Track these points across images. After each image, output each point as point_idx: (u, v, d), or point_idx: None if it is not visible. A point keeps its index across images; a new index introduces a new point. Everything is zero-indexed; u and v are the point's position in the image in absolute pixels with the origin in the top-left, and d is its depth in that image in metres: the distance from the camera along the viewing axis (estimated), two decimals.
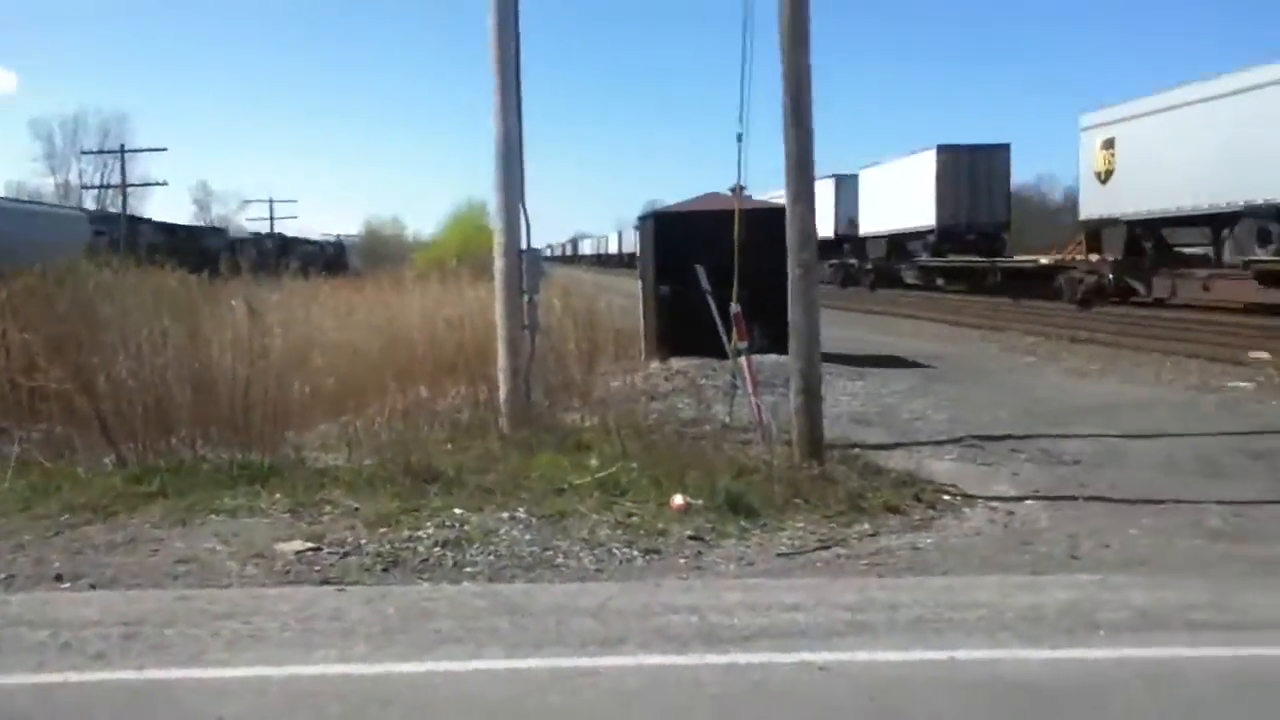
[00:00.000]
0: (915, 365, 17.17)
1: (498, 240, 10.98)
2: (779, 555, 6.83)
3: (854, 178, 44.86)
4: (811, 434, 9.07)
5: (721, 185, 14.08)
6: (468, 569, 6.56)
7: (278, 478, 8.53)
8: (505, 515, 7.56)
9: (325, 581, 6.36)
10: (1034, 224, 44.38)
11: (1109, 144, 27.10)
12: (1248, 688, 4.65)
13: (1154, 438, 10.35)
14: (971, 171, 37.46)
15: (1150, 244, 26.63)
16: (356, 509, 7.74)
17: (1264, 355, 15.11)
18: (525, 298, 11.02)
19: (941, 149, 37.49)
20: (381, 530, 7.24)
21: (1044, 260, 31.06)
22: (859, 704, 4.46)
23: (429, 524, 7.35)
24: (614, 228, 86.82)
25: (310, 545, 6.99)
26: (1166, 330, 19.09)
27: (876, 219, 42.75)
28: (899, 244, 41.85)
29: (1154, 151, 25.00)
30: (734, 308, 10.61)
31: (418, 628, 5.46)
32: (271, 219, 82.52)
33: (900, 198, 39.78)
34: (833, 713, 4.41)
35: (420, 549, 6.87)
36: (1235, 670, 4.82)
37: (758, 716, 4.36)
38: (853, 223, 44.95)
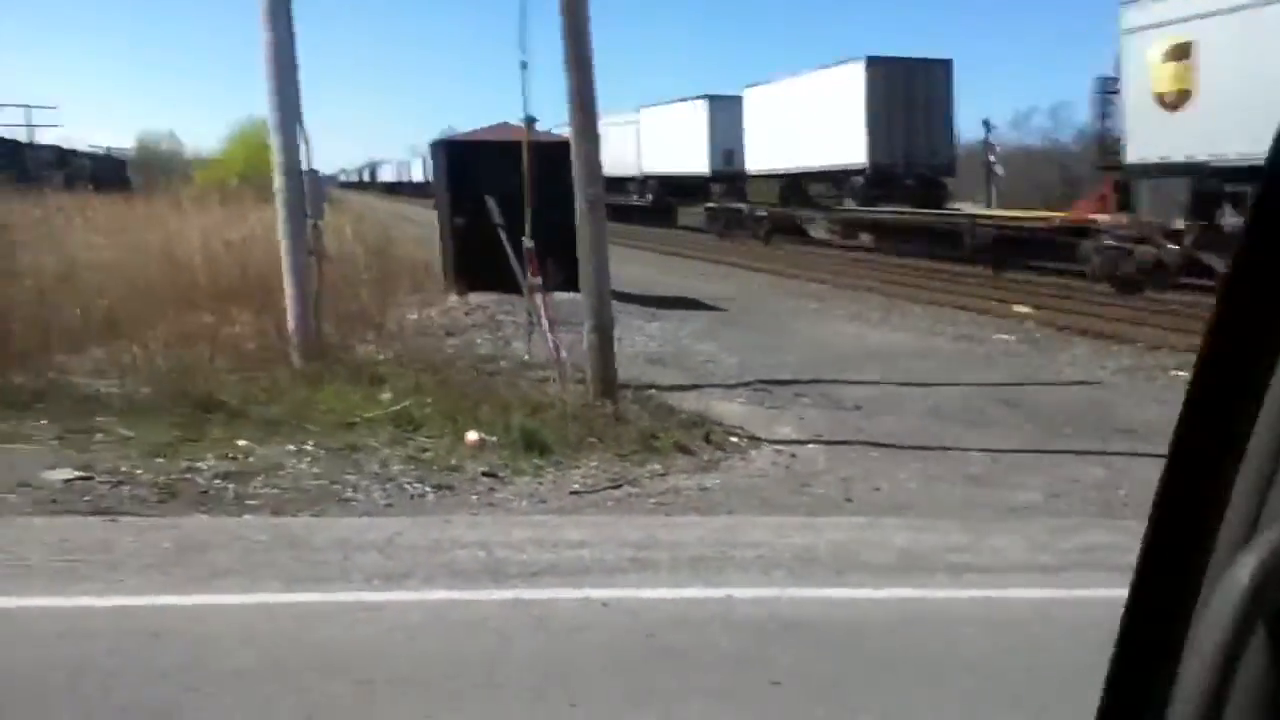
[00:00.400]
0: (706, 308, 17.58)
1: (276, 160, 10.37)
2: (571, 493, 6.91)
3: (735, 100, 34.70)
4: (605, 373, 9.18)
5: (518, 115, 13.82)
6: (250, 502, 6.34)
7: (43, 403, 7.97)
8: (292, 448, 7.33)
9: (96, 512, 6.02)
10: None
11: (1182, 51, 16.62)
12: (998, 625, 5.04)
13: (926, 386, 11.00)
14: (909, 95, 27.90)
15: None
16: (130, 437, 7.33)
17: (1026, 309, 16.25)
18: (310, 222, 10.56)
19: (873, 61, 27.70)
20: (158, 460, 6.90)
21: (1058, 218, 21.36)
22: (638, 640, 4.59)
23: (209, 455, 7.04)
24: (414, 154, 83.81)
25: (80, 474, 6.59)
26: (937, 280, 20.23)
27: (769, 154, 32.35)
28: (799, 186, 32.33)
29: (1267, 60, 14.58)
30: (526, 243, 10.53)
31: (193, 560, 5.25)
32: (30, 126, 73.87)
33: (805, 126, 29.83)
34: (612, 648, 4.52)
35: (200, 480, 6.59)
36: (988, 610, 5.22)
37: (538, 650, 4.42)
38: (732, 157, 35.09)
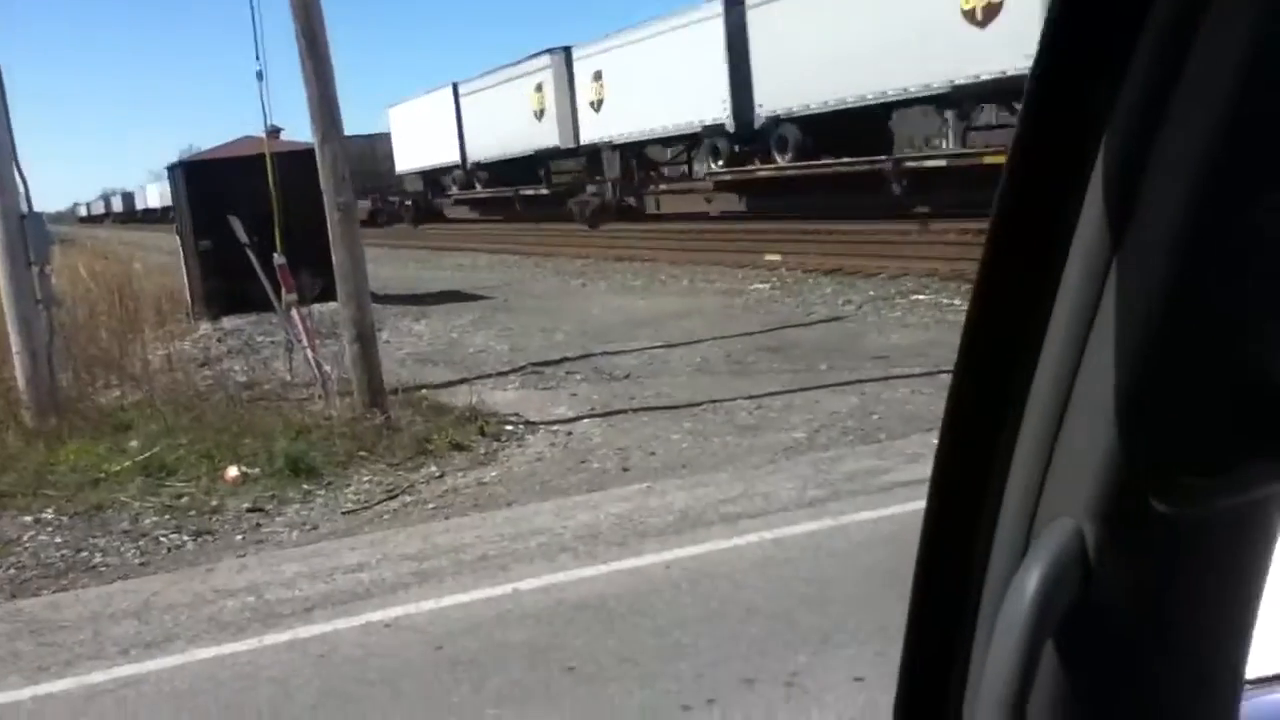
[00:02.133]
0: (475, 298, 17.39)
1: None
2: (344, 513, 6.66)
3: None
4: (371, 382, 8.91)
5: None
6: None
7: None
8: (29, 519, 6.74)
9: None
10: None
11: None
12: (776, 565, 5.21)
13: (692, 344, 11.25)
14: None
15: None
16: None
17: (776, 257, 16.89)
18: (35, 270, 9.73)
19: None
20: None
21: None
22: (426, 656, 4.47)
23: None
24: (151, 179, 79.05)
25: None
26: (695, 242, 20.76)
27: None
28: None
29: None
30: (277, 258, 10.09)
31: None
32: None
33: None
34: (400, 671, 4.38)
35: None
36: (766, 553, 5.37)
37: (322, 691, 4.24)
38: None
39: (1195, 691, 0.77)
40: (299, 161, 11.20)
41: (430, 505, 6.71)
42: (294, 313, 10.14)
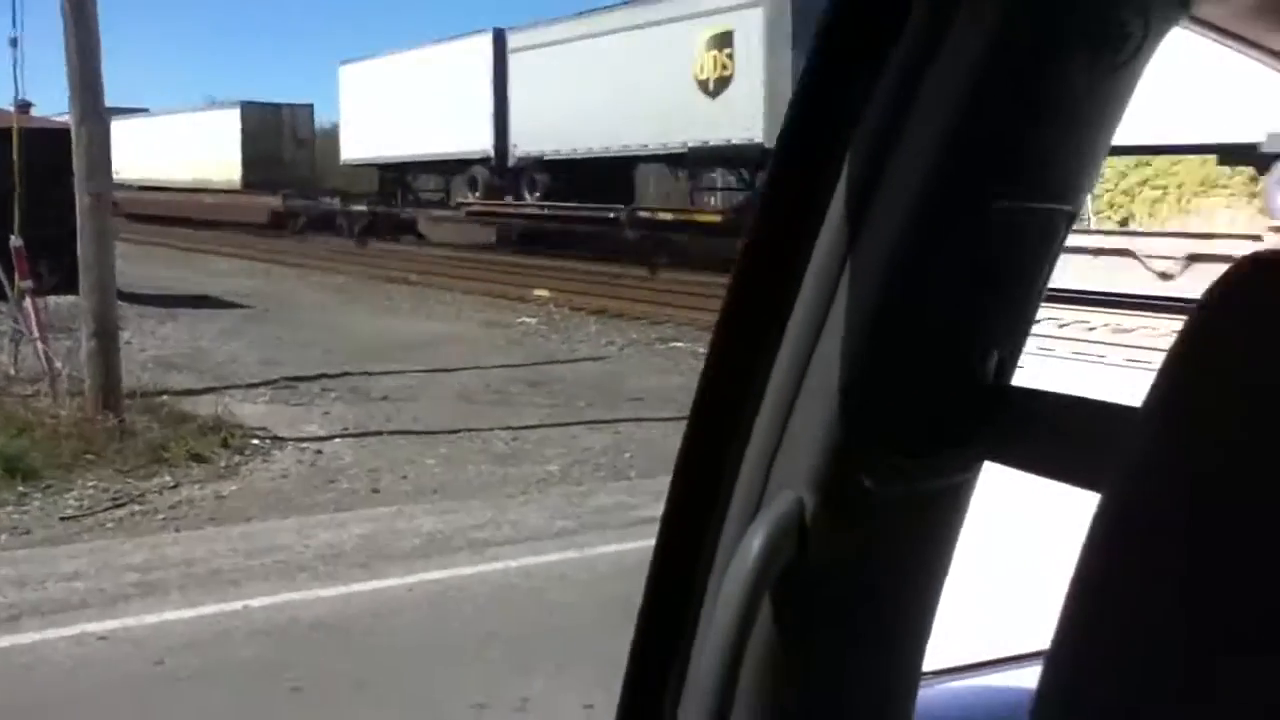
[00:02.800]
0: (231, 306, 16.63)
1: None
2: (63, 519, 6.24)
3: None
4: (107, 381, 8.39)
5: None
6: None
7: None
8: None
9: None
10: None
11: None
12: (518, 593, 5.28)
13: (454, 371, 11.20)
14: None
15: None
16: None
17: (545, 293, 17.08)
18: None
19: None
20: None
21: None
22: (144, 670, 4.26)
23: None
24: None
25: None
26: (466, 269, 20.70)
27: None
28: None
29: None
30: (14, 241, 9.39)
31: None
32: None
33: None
34: (115, 685, 4.16)
35: None
36: (510, 581, 5.44)
37: (23, 707, 3.96)
38: None
39: (884, 660, 0.90)
40: (53, 141, 10.48)
41: (161, 516, 6.38)
42: (27, 301, 9.43)
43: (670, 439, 8.14)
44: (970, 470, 0.87)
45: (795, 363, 0.82)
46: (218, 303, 16.82)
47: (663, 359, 12.08)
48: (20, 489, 6.62)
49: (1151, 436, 0.62)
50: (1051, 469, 0.78)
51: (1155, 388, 0.61)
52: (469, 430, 8.69)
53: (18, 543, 5.82)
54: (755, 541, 0.79)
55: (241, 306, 16.52)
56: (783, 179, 0.84)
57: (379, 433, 8.57)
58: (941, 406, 0.81)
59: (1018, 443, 0.81)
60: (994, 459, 0.83)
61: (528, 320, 15.09)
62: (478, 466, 7.69)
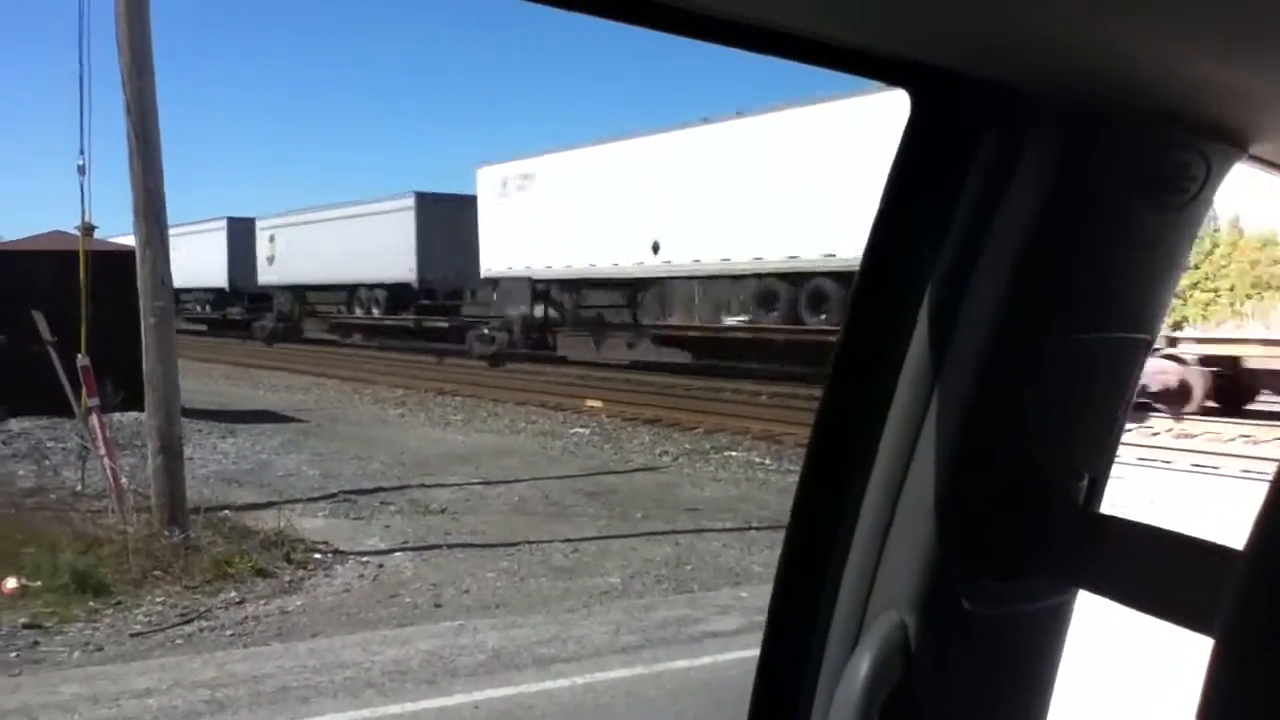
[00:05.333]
0: (289, 420, 16.89)
1: None
2: (133, 635, 6.29)
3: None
4: (172, 498, 8.52)
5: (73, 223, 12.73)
6: None
7: None
8: None
9: None
10: None
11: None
12: (588, 710, 5.23)
13: (510, 483, 11.25)
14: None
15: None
16: None
17: (598, 403, 17.19)
18: None
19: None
20: None
21: None
22: None
23: None
24: None
25: None
26: (518, 381, 20.91)
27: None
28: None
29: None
30: (81, 359, 9.64)
31: None
32: None
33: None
34: None
35: None
36: (577, 698, 5.38)
37: None
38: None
39: None
40: (117, 262, 10.88)
41: (228, 632, 6.41)
42: (94, 418, 9.64)
43: (730, 550, 8.11)
44: (1067, 594, 0.88)
45: (889, 485, 0.85)
46: (273, 417, 17.08)
47: (717, 468, 12.05)
48: (91, 604, 6.70)
49: (1261, 580, 0.59)
50: (1146, 604, 0.78)
51: (1258, 531, 0.59)
52: (528, 543, 8.69)
53: (90, 659, 5.87)
54: (863, 664, 0.82)
55: (297, 420, 16.77)
56: (866, 305, 0.89)
57: (439, 546, 8.60)
58: (1033, 530, 0.83)
59: (1111, 574, 0.82)
60: (1088, 588, 0.85)
61: (580, 430, 15.16)
62: (538, 580, 7.67)
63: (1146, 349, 0.88)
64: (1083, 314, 0.83)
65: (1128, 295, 0.84)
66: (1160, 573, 0.78)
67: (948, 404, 0.83)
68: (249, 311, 40.46)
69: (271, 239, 39.45)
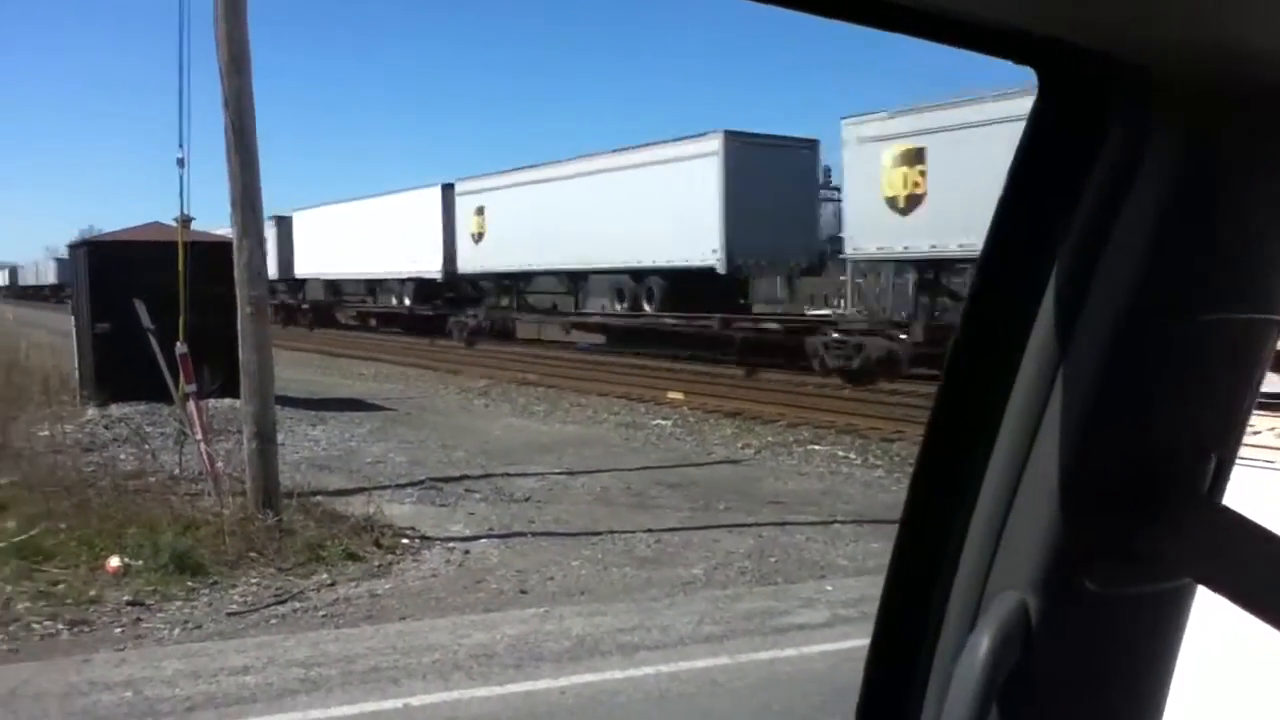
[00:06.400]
0: (376, 408, 17.21)
1: None
2: (230, 614, 6.47)
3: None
4: (267, 482, 8.74)
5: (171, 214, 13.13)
6: None
7: None
8: None
9: None
10: None
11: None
12: (670, 699, 5.24)
13: (593, 473, 11.31)
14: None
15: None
16: None
17: (679, 395, 17.19)
18: None
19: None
20: None
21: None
22: None
23: None
24: (47, 256, 76.81)
25: None
26: (601, 373, 21.00)
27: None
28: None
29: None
30: (180, 347, 9.93)
31: None
32: None
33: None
34: None
35: None
36: (662, 686, 5.40)
37: None
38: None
39: None
40: (212, 253, 11.18)
41: (321, 613, 6.56)
42: (191, 404, 9.93)
43: (814, 543, 8.04)
44: (1188, 580, 0.87)
45: (1011, 467, 0.85)
46: (362, 405, 17.42)
47: (800, 461, 11.96)
48: (189, 584, 6.92)
49: None
50: (1258, 608, 0.77)
51: None
52: (611, 532, 8.73)
53: (190, 636, 6.06)
54: (983, 642, 0.82)
55: (384, 409, 17.07)
56: (988, 290, 0.88)
57: (523, 534, 8.69)
58: (1155, 515, 0.82)
59: (1226, 573, 0.80)
60: (1203, 580, 0.83)
61: (662, 423, 15.17)
62: (621, 569, 7.71)
63: (1277, 330, 0.85)
64: (1210, 295, 0.82)
65: (1257, 275, 0.82)
66: (1276, 579, 0.77)
67: (1071, 386, 0.82)
68: (449, 305, 32.33)
69: (480, 210, 30.05)
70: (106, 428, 13.31)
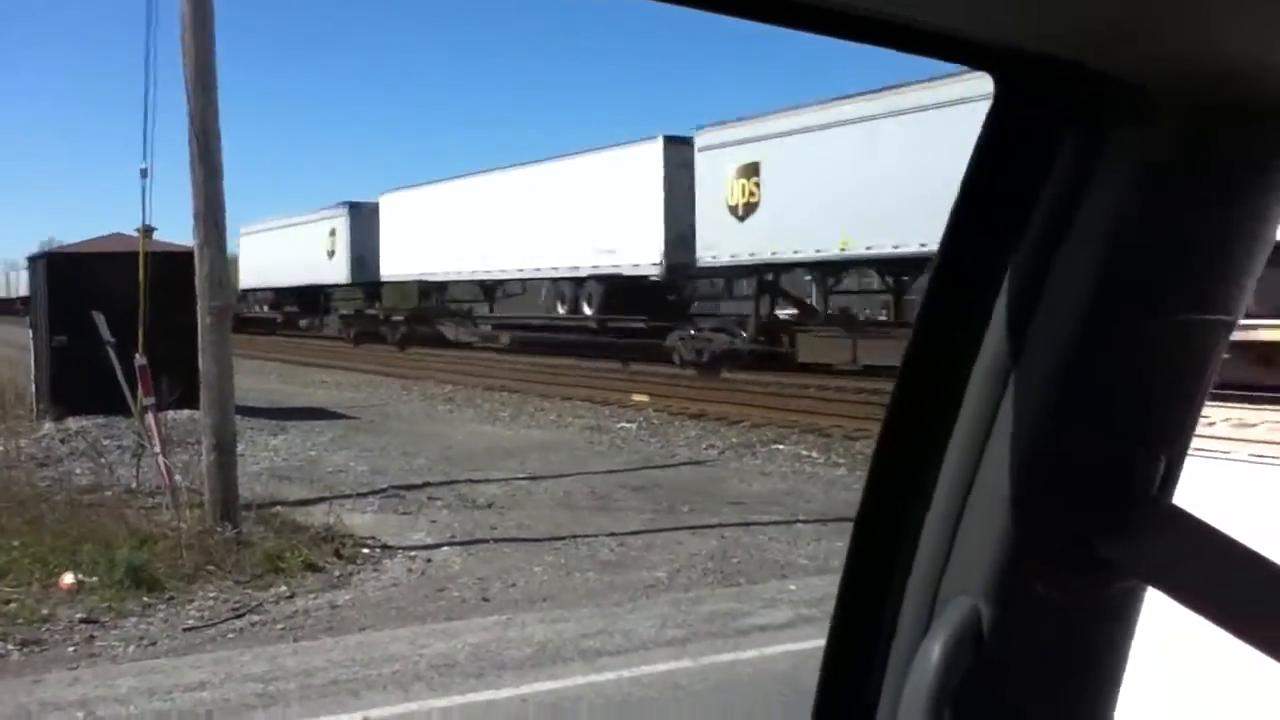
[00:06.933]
0: (338, 416, 17.08)
1: None
2: (186, 630, 6.38)
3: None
4: (225, 494, 8.65)
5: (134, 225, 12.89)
6: None
7: None
8: None
9: None
10: None
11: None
12: (635, 703, 5.22)
13: (556, 478, 11.28)
14: None
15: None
16: None
17: (644, 398, 17.19)
18: None
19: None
20: None
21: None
22: None
23: None
24: (4, 269, 75.46)
25: None
26: (564, 377, 20.96)
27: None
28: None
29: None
30: (138, 359, 9.82)
31: None
32: None
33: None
34: None
35: None
36: (624, 691, 5.38)
37: None
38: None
39: None
40: (174, 263, 11.04)
41: (279, 626, 6.49)
42: (149, 416, 9.81)
43: (777, 543, 8.06)
44: (1139, 583, 0.87)
45: (963, 471, 0.85)
46: (324, 414, 17.27)
47: (763, 461, 11.99)
48: (145, 599, 6.81)
49: None
50: (1207, 608, 0.78)
51: None
52: (574, 537, 8.71)
53: (145, 653, 5.97)
54: (935, 648, 0.82)
55: (347, 417, 16.94)
56: (942, 294, 0.88)
57: (485, 540, 8.64)
58: (1107, 518, 0.82)
59: (1176, 575, 0.81)
60: (1155, 584, 0.83)
61: (627, 425, 15.16)
62: (585, 574, 7.68)
63: (1228, 331, 0.85)
64: (1163, 298, 0.82)
65: (1210, 278, 0.82)
66: (1228, 585, 0.78)
67: (1023, 391, 0.82)
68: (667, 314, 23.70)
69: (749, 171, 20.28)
70: (63, 442, 13.11)
